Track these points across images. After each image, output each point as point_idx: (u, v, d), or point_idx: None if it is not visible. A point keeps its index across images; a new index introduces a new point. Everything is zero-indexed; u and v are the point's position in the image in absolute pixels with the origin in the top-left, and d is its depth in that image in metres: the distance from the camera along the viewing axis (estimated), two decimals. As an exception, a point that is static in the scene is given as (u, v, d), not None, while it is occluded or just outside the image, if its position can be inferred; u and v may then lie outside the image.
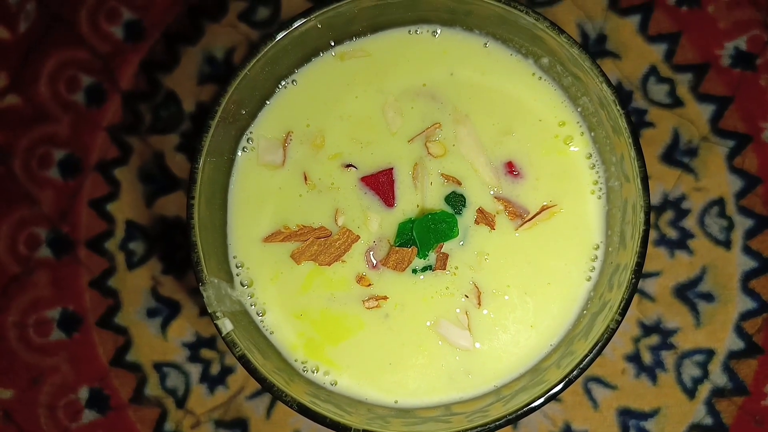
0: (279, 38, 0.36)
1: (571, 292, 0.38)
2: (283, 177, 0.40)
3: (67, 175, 0.65)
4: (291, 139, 0.40)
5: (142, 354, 0.62)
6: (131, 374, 0.62)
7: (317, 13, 0.36)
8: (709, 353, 0.58)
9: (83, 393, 0.62)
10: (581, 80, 0.36)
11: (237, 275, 0.39)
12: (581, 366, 0.33)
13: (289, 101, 0.41)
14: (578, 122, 0.39)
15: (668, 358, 0.58)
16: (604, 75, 0.33)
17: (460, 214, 0.39)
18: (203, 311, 0.63)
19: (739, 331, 0.58)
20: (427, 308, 0.39)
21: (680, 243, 0.59)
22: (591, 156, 0.39)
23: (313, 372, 0.39)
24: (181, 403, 0.62)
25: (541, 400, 0.33)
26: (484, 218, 0.39)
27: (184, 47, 0.65)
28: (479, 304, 0.39)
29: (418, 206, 0.39)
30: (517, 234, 0.39)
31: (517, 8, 0.34)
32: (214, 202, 0.38)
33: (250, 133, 0.41)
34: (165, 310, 0.62)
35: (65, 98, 0.66)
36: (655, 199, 0.60)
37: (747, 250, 0.59)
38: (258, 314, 0.40)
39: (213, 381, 0.61)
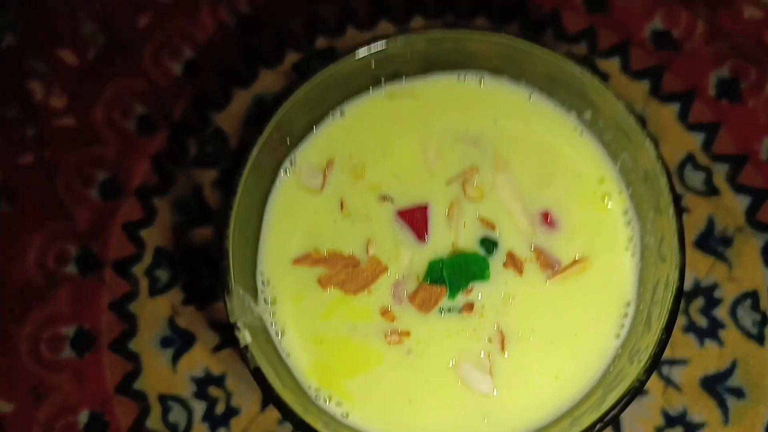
0: (328, 69, 0.38)
1: (600, 346, 0.38)
2: (320, 201, 0.42)
3: (106, 197, 0.67)
4: (332, 167, 0.42)
5: (148, 384, 0.62)
6: (134, 403, 0.62)
7: (371, 51, 0.38)
8: (738, 454, 0.55)
9: (83, 416, 0.62)
10: (623, 134, 0.37)
11: (261, 292, 0.40)
12: (596, 426, 0.32)
13: (335, 131, 0.43)
14: (617, 180, 0.40)
15: None
16: (656, 147, 0.34)
17: (491, 256, 0.40)
18: (217, 347, 0.63)
19: (771, 433, 0.55)
20: (449, 348, 0.39)
21: (710, 332, 0.58)
22: (627, 213, 0.40)
23: (325, 401, 0.39)
24: (179, 439, 0.60)
25: None
26: (513, 262, 0.39)
27: (236, 88, 0.68)
28: (503, 348, 0.38)
29: (451, 245, 0.39)
30: (546, 284, 0.39)
31: (575, 65, 0.36)
32: (251, 217, 0.40)
33: (294, 156, 0.42)
34: (179, 341, 0.62)
35: (117, 124, 0.70)
36: (687, 284, 0.60)
37: (781, 348, 0.57)
38: (277, 334, 0.40)
39: (216, 421, 0.60)
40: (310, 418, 0.36)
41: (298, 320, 0.41)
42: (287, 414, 0.36)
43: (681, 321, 0.61)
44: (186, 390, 0.63)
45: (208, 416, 0.62)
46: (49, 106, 0.73)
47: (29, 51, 0.75)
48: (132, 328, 0.65)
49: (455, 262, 0.41)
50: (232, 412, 0.62)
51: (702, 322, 0.61)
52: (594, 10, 0.71)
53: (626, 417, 0.60)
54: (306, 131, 0.45)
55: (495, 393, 0.39)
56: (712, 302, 0.61)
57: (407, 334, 0.41)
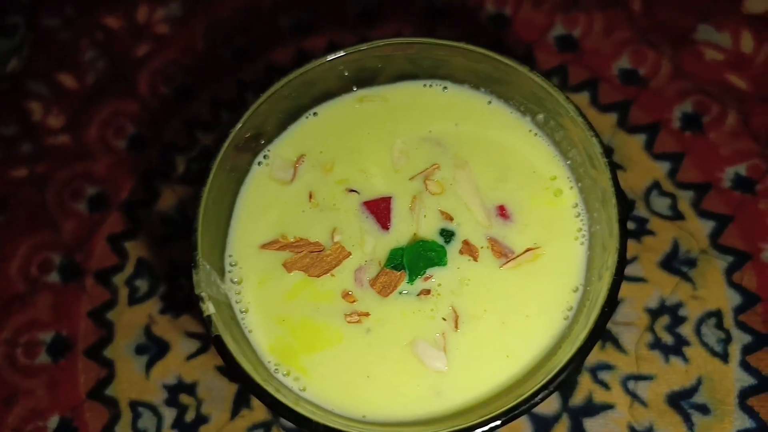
0: (303, 70, 0.42)
1: (549, 327, 0.40)
2: (290, 192, 0.45)
3: (93, 210, 0.70)
4: (303, 161, 0.46)
5: (120, 390, 0.63)
6: (105, 409, 0.63)
7: (344, 54, 0.43)
8: (704, 470, 0.56)
9: (53, 422, 0.63)
10: (571, 134, 0.41)
11: (229, 272, 0.43)
12: (536, 397, 0.34)
13: (308, 129, 0.47)
14: (568, 177, 0.44)
15: None
16: (592, 127, 0.38)
17: (449, 245, 0.43)
18: (191, 355, 0.64)
19: (737, 451, 0.56)
20: (406, 327, 0.41)
21: (675, 349, 0.60)
22: (577, 206, 0.43)
23: (284, 375, 0.41)
24: (147, 447, 0.61)
25: (498, 422, 0.34)
26: (468, 249, 0.42)
27: (226, 113, 0.73)
28: (456, 327, 0.41)
29: (413, 234, 0.43)
30: (500, 270, 0.42)
31: (525, 69, 0.40)
32: (223, 203, 0.43)
33: (268, 150, 0.46)
34: (154, 349, 0.64)
35: (110, 142, 0.74)
36: (652, 303, 0.62)
37: (745, 366, 0.59)
38: (241, 311, 0.42)
39: (185, 428, 0.62)
40: (267, 387, 0.38)
41: (262, 300, 0.44)
42: (244, 380, 0.38)
43: (647, 337, 0.63)
44: (157, 397, 0.64)
45: (178, 423, 0.63)
46: (47, 125, 0.78)
47: (32, 74, 0.80)
48: (109, 335, 0.67)
49: (415, 249, 0.44)
50: (201, 419, 0.63)
51: (667, 339, 0.63)
52: (565, 50, 0.76)
53: (592, 431, 0.61)
54: (281, 129, 0.48)
55: (448, 369, 0.41)
56: (677, 320, 0.63)
57: (366, 314, 0.43)
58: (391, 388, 0.40)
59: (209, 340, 0.66)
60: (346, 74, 0.48)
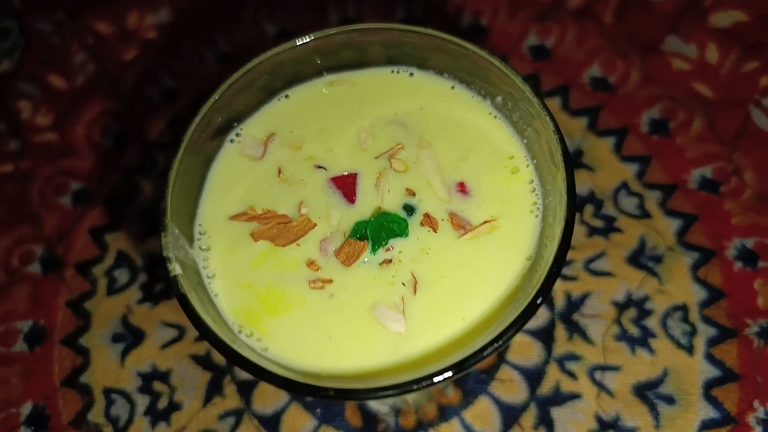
0: (275, 52, 0.45)
1: (503, 293, 0.42)
2: (260, 168, 0.48)
3: (77, 204, 0.73)
4: (273, 140, 0.49)
5: (95, 378, 0.65)
6: (79, 396, 0.64)
7: (314, 38, 0.46)
8: (669, 459, 0.58)
9: (26, 409, 0.64)
10: (528, 112, 0.44)
11: (198, 239, 0.45)
12: (484, 352, 0.36)
13: (279, 111, 0.50)
14: (525, 156, 0.47)
15: None
16: (544, 105, 0.41)
17: (411, 218, 0.45)
18: (166, 344, 0.66)
19: (702, 441, 0.58)
20: (368, 293, 0.44)
21: (642, 341, 0.62)
22: (533, 182, 0.46)
23: (247, 336, 0.43)
24: (119, 433, 0.62)
25: (449, 374, 0.36)
26: (429, 221, 0.45)
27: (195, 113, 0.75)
28: (415, 292, 0.43)
29: (378, 208, 0.45)
30: (459, 240, 0.44)
31: (485, 53, 0.44)
32: (194, 175, 0.46)
33: (240, 129, 0.49)
34: (130, 338, 0.66)
35: (95, 141, 0.77)
36: (619, 296, 0.65)
37: (710, 358, 0.61)
38: (208, 276, 0.44)
39: (157, 415, 0.63)
40: (228, 341, 0.40)
41: (229, 267, 0.46)
42: (204, 332, 0.40)
43: (614, 329, 0.65)
44: (131, 384, 0.66)
45: (150, 410, 0.65)
46: (35, 124, 0.81)
47: (22, 75, 0.84)
48: (86, 324, 0.69)
49: (378, 221, 0.47)
50: (174, 407, 0.65)
51: (634, 331, 0.65)
52: (539, 59, 0.80)
53: (560, 420, 0.63)
54: (253, 110, 0.52)
55: (406, 331, 0.43)
56: (643, 313, 0.65)
57: (330, 281, 0.46)
58: (351, 348, 0.42)
59: (185, 330, 0.67)
60: (318, 61, 0.52)
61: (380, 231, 0.45)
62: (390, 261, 0.44)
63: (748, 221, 0.69)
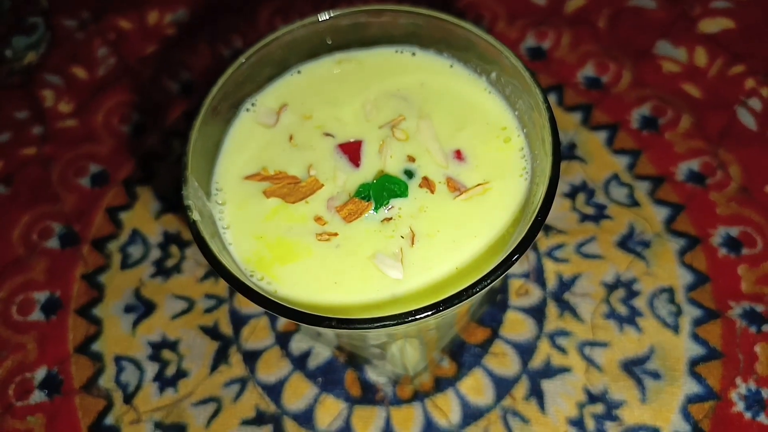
0: (288, 29, 0.51)
1: (494, 247, 0.47)
2: (272, 134, 0.53)
3: (95, 185, 0.77)
4: (286, 109, 0.53)
5: (107, 345, 0.69)
6: (91, 362, 0.68)
7: (325, 19, 0.51)
8: (654, 431, 0.61)
9: (40, 374, 0.68)
10: (519, 86, 0.49)
11: (214, 195, 0.49)
12: (474, 289, 0.40)
13: (292, 84, 0.55)
14: (516, 126, 0.51)
15: (612, 429, 0.62)
16: (533, 75, 0.46)
17: (410, 181, 0.50)
18: (175, 315, 0.70)
19: (686, 413, 0.62)
20: (369, 244, 0.48)
21: (629, 319, 0.66)
22: (523, 149, 0.50)
23: (259, 279, 0.47)
24: (128, 398, 0.66)
25: (441, 307, 0.40)
26: (427, 183, 0.50)
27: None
28: (412, 243, 0.47)
29: (381, 171, 0.50)
30: (454, 200, 0.49)
31: (480, 31, 0.49)
32: (212, 138, 0.51)
33: (255, 99, 0.54)
34: (141, 308, 0.70)
35: (114, 127, 0.82)
36: (608, 278, 0.69)
37: (695, 337, 0.65)
38: (223, 228, 0.49)
39: (165, 382, 0.66)
40: (240, 277, 0.45)
41: (242, 219, 0.50)
42: (220, 269, 0.44)
43: (602, 308, 0.69)
44: (141, 352, 0.69)
45: (159, 377, 0.68)
46: (57, 111, 0.86)
47: (47, 67, 0.89)
48: (100, 296, 0.73)
49: (381, 182, 0.51)
50: (181, 374, 0.68)
51: (622, 309, 0.68)
52: (535, 59, 0.85)
53: (550, 392, 0.66)
54: (267, 82, 0.57)
55: (403, 278, 0.47)
56: (631, 294, 0.69)
57: (335, 234, 0.50)
58: (354, 291, 0.46)
59: (194, 302, 0.71)
60: (328, 41, 0.57)
61: (382, 191, 0.49)
62: (390, 219, 0.48)
63: (732, 212, 0.73)
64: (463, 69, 0.55)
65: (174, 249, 0.75)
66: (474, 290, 0.41)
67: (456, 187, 0.50)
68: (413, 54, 0.56)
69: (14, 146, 0.83)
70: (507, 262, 0.42)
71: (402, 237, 0.47)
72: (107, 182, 0.80)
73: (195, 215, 0.45)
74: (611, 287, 0.69)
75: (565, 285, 0.70)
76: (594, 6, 0.88)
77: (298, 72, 0.56)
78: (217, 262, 0.42)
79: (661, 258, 0.71)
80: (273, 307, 0.41)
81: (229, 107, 0.53)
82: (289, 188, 0.50)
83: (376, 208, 0.49)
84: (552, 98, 0.82)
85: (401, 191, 0.50)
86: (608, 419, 0.63)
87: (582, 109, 0.81)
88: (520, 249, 0.42)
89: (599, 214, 0.74)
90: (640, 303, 0.68)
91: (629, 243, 0.71)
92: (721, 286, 0.69)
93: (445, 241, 0.47)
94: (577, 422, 0.63)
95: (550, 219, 0.73)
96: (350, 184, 0.51)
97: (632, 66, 0.84)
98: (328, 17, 0.52)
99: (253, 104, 0.55)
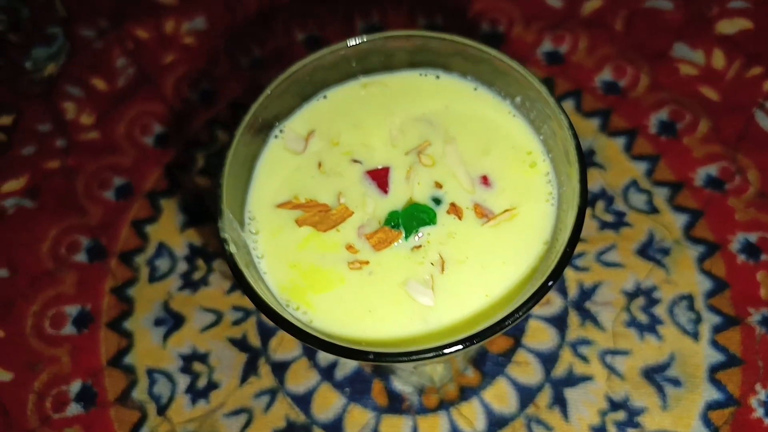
0: (317, 56, 0.51)
1: (523, 273, 0.48)
2: (301, 161, 0.54)
3: (120, 197, 0.79)
4: (314, 136, 0.54)
5: (138, 358, 0.70)
6: (124, 375, 0.70)
7: (350, 45, 0.52)
8: (675, 437, 0.63)
9: (75, 386, 0.70)
10: (544, 111, 0.50)
11: (248, 224, 0.51)
12: (506, 323, 0.42)
13: (318, 109, 0.56)
14: (541, 151, 0.52)
15: None
16: (559, 104, 0.47)
17: (438, 207, 0.51)
18: (204, 327, 0.72)
19: (706, 420, 0.63)
20: (401, 271, 0.49)
21: (650, 327, 0.67)
22: (548, 174, 0.51)
23: (295, 309, 0.48)
24: (162, 410, 0.68)
25: (470, 342, 0.41)
26: (455, 210, 0.51)
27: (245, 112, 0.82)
28: (443, 270, 0.48)
29: (408, 199, 0.51)
30: (482, 227, 0.50)
31: (503, 55, 0.49)
32: (244, 167, 0.52)
33: (283, 126, 0.55)
34: (171, 321, 0.72)
35: (137, 139, 0.83)
36: (629, 286, 0.70)
37: (714, 344, 0.66)
38: (257, 257, 0.50)
39: (197, 393, 0.68)
40: (280, 311, 0.46)
41: (276, 248, 0.52)
42: (258, 302, 0.46)
43: (623, 316, 0.71)
44: (173, 365, 0.71)
45: (191, 389, 0.70)
46: (79, 123, 0.87)
47: (67, 78, 0.90)
48: (129, 309, 0.75)
49: (409, 211, 0.53)
50: (213, 385, 0.70)
51: (642, 318, 0.70)
52: (552, 63, 0.86)
53: (572, 400, 0.68)
54: (294, 108, 0.58)
55: (435, 304, 0.49)
56: (651, 302, 0.70)
57: (366, 262, 0.51)
58: (388, 319, 0.47)
59: (222, 315, 0.73)
60: (353, 64, 0.58)
61: (411, 220, 0.50)
62: (419, 246, 0.50)
63: (751, 217, 0.74)
64: (488, 92, 0.56)
65: (200, 262, 0.76)
66: (505, 324, 0.42)
67: (483, 213, 0.51)
68: (437, 77, 0.57)
69: (38, 159, 0.84)
70: (536, 296, 0.43)
71: (432, 264, 0.49)
72: (132, 194, 0.81)
73: (231, 247, 0.47)
74: (631, 295, 0.71)
75: (586, 294, 0.71)
76: (610, 7, 0.88)
77: (324, 97, 0.57)
78: (256, 296, 0.44)
79: (681, 265, 0.72)
80: (314, 341, 0.42)
81: (258, 134, 0.54)
82: (320, 216, 0.51)
83: (406, 237, 0.51)
84: (570, 104, 0.82)
85: (430, 219, 0.51)
86: (629, 426, 0.65)
87: (600, 115, 0.81)
88: (552, 277, 0.43)
89: (619, 222, 0.75)
90: (660, 311, 0.70)
91: (649, 250, 0.73)
92: (740, 292, 0.70)
93: (474, 267, 0.49)
94: (600, 429, 0.65)
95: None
96: (379, 211, 0.52)
97: (650, 69, 0.84)
98: (356, 43, 0.53)
99: (281, 130, 0.56)
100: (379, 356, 0.41)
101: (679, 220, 0.74)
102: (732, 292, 0.70)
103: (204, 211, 0.80)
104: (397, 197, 0.52)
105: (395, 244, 0.50)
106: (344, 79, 0.57)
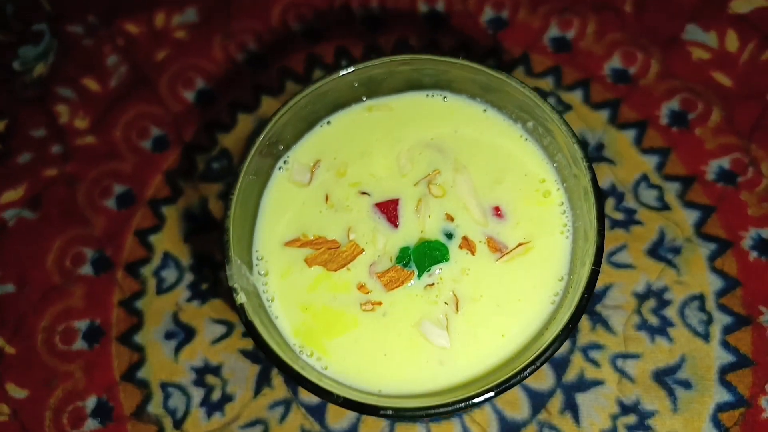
0: (320, 84, 0.48)
1: (539, 310, 0.47)
2: (307, 194, 0.52)
3: (121, 206, 0.77)
4: (319, 166, 0.52)
5: (152, 372, 0.70)
6: (138, 390, 0.69)
7: (353, 69, 0.49)
8: (685, 440, 0.63)
9: (90, 402, 0.70)
10: (557, 140, 0.47)
11: (256, 265, 0.49)
12: (525, 371, 0.40)
13: (323, 137, 0.53)
14: (555, 179, 0.50)
15: None
16: (574, 134, 0.45)
17: (450, 242, 0.49)
18: (216, 339, 0.71)
19: (716, 422, 0.63)
20: (414, 311, 0.48)
21: (661, 330, 0.66)
22: (563, 204, 0.49)
23: (308, 356, 0.47)
24: (178, 423, 0.68)
25: (491, 393, 0.40)
26: (467, 244, 0.49)
27: (243, 114, 0.79)
28: (457, 309, 0.47)
29: (421, 232, 0.49)
30: (496, 263, 0.48)
31: (515, 81, 0.46)
32: (249, 204, 0.50)
33: (287, 157, 0.53)
34: (181, 334, 0.71)
35: (134, 143, 0.80)
36: (639, 287, 0.69)
37: (725, 345, 0.66)
38: (267, 300, 0.49)
39: (212, 406, 0.68)
40: (293, 365, 0.45)
41: (286, 290, 0.51)
42: (274, 359, 0.45)
43: (634, 319, 0.70)
44: (185, 378, 0.71)
45: (205, 402, 0.70)
46: (74, 127, 0.84)
47: (58, 79, 0.86)
48: (139, 322, 0.74)
49: (421, 249, 0.51)
50: (227, 398, 0.70)
51: (653, 320, 0.69)
52: (559, 51, 0.82)
53: (584, 405, 0.68)
54: (298, 137, 0.55)
55: (450, 346, 0.48)
56: (662, 303, 0.70)
57: (379, 303, 0.50)
58: (403, 363, 0.46)
59: (233, 326, 0.73)
60: (356, 86, 0.55)
61: (424, 258, 0.49)
62: (432, 284, 0.48)
63: (764, 212, 0.72)
64: (498, 114, 0.53)
65: (207, 272, 0.75)
66: (524, 374, 0.41)
67: (497, 248, 0.49)
68: (444, 98, 0.54)
69: (36, 167, 0.82)
70: (554, 345, 0.42)
71: (446, 303, 0.48)
72: (134, 202, 0.79)
73: (241, 297, 0.45)
74: (642, 297, 0.70)
75: (597, 297, 0.70)
76: (620, -13, 0.84)
77: (328, 123, 0.55)
78: (268, 348, 0.43)
79: (692, 265, 0.71)
80: (334, 399, 0.42)
81: (262, 168, 0.52)
82: (330, 254, 0.50)
83: (419, 275, 0.49)
84: (579, 95, 0.79)
85: (442, 256, 0.49)
86: (641, 429, 0.66)
87: (610, 106, 0.79)
88: (567, 330, 0.42)
89: (629, 220, 0.73)
90: (671, 312, 0.69)
91: (660, 250, 0.71)
92: (752, 290, 0.69)
93: (489, 305, 0.48)
94: (611, 434, 0.65)
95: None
96: (390, 246, 0.51)
97: (660, 54, 0.81)
98: (354, 69, 0.50)
99: (285, 162, 0.54)
100: (398, 412, 0.40)
101: (690, 217, 0.73)
102: (743, 291, 0.69)
103: (208, 218, 0.78)
104: (408, 231, 0.50)
105: (406, 285, 0.49)
106: (348, 103, 0.54)
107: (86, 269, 0.77)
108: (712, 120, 0.77)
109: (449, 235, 0.50)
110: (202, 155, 0.81)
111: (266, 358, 0.43)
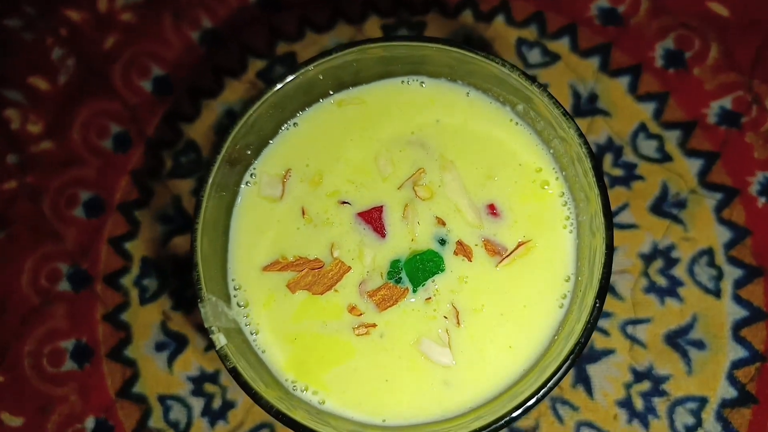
0: (280, 86, 0.41)
1: (546, 316, 0.42)
2: (281, 210, 0.46)
3: (91, 215, 0.71)
4: (290, 176, 0.46)
5: (147, 386, 0.66)
6: (136, 406, 0.66)
7: (318, 62, 0.42)
8: (702, 401, 0.60)
9: (89, 423, 0.67)
10: (550, 121, 0.41)
11: (234, 296, 0.44)
12: (548, 385, 0.36)
13: (291, 142, 0.47)
14: (553, 168, 0.44)
15: (660, 405, 0.60)
16: (581, 134, 0.38)
17: (444, 249, 0.44)
18: (209, 347, 0.67)
19: (732, 379, 0.60)
20: (412, 330, 0.43)
21: (670, 291, 0.62)
22: (564, 195, 0.44)
23: (302, 391, 0.43)
24: (182, 436, 0.65)
25: (518, 412, 0.36)
26: (462, 250, 0.44)
27: (206, 101, 0.71)
28: (458, 322, 0.42)
29: (410, 242, 0.43)
30: (497, 268, 0.43)
31: (508, 68, 0.39)
32: (218, 229, 0.44)
33: (254, 169, 0.46)
34: (173, 344, 0.67)
35: (95, 144, 0.73)
36: (645, 248, 0.64)
37: (737, 299, 0.62)
38: (251, 333, 0.44)
39: (214, 415, 0.65)
40: (287, 408, 0.41)
41: (270, 321, 0.46)
42: (264, 406, 0.40)
43: (642, 283, 0.66)
44: (183, 389, 0.68)
45: (207, 411, 0.67)
46: (27, 133, 0.77)
47: (2, 81, 0.78)
48: (127, 336, 0.70)
49: (413, 262, 0.45)
50: (228, 405, 0.67)
51: (662, 282, 0.65)
52: (541, -7, 0.74)
53: (596, 377, 0.65)
54: (263, 145, 0.48)
55: (455, 363, 0.44)
56: (670, 262, 0.65)
57: (374, 325, 0.45)
58: (405, 389, 0.42)
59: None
60: (321, 78, 0.47)
61: (417, 272, 0.44)
62: (429, 298, 0.43)
63: (771, 153, 0.67)
64: (483, 97, 0.47)
65: (189, 275, 0.70)
66: (539, 396, 0.37)
67: (495, 251, 0.44)
68: (422, 84, 0.48)
69: (-7, 181, 0.75)
70: (570, 359, 0.38)
71: (445, 317, 0.43)
72: (103, 210, 0.74)
73: (220, 338, 0.40)
74: (649, 258, 0.66)
75: (601, 263, 0.66)
76: None
77: (295, 125, 0.48)
78: (255, 394, 0.38)
79: (698, 218, 0.66)
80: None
81: (227, 186, 0.46)
82: (314, 276, 0.45)
83: (414, 291, 0.44)
84: (565, 42, 0.72)
85: (437, 267, 0.44)
86: (656, 395, 0.63)
87: (600, 52, 0.72)
88: (580, 345, 0.37)
89: (630, 175, 0.68)
90: (679, 271, 0.65)
91: (664, 206, 0.67)
92: (762, 239, 0.65)
93: (492, 315, 0.43)
94: (626, 403, 0.63)
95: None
96: (379, 260, 0.45)
97: (650, -13, 0.73)
98: (318, 63, 0.43)
99: (252, 175, 0.48)
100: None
101: (694, 167, 0.67)
102: (753, 240, 0.65)
103: (184, 217, 0.72)
104: (397, 241, 0.45)
105: (400, 304, 0.44)
106: (314, 100, 0.47)
107: (64, 286, 0.72)
108: (710, 57, 0.71)
109: (442, 242, 0.45)
110: (168, 150, 0.74)
111: (255, 403, 0.39)
